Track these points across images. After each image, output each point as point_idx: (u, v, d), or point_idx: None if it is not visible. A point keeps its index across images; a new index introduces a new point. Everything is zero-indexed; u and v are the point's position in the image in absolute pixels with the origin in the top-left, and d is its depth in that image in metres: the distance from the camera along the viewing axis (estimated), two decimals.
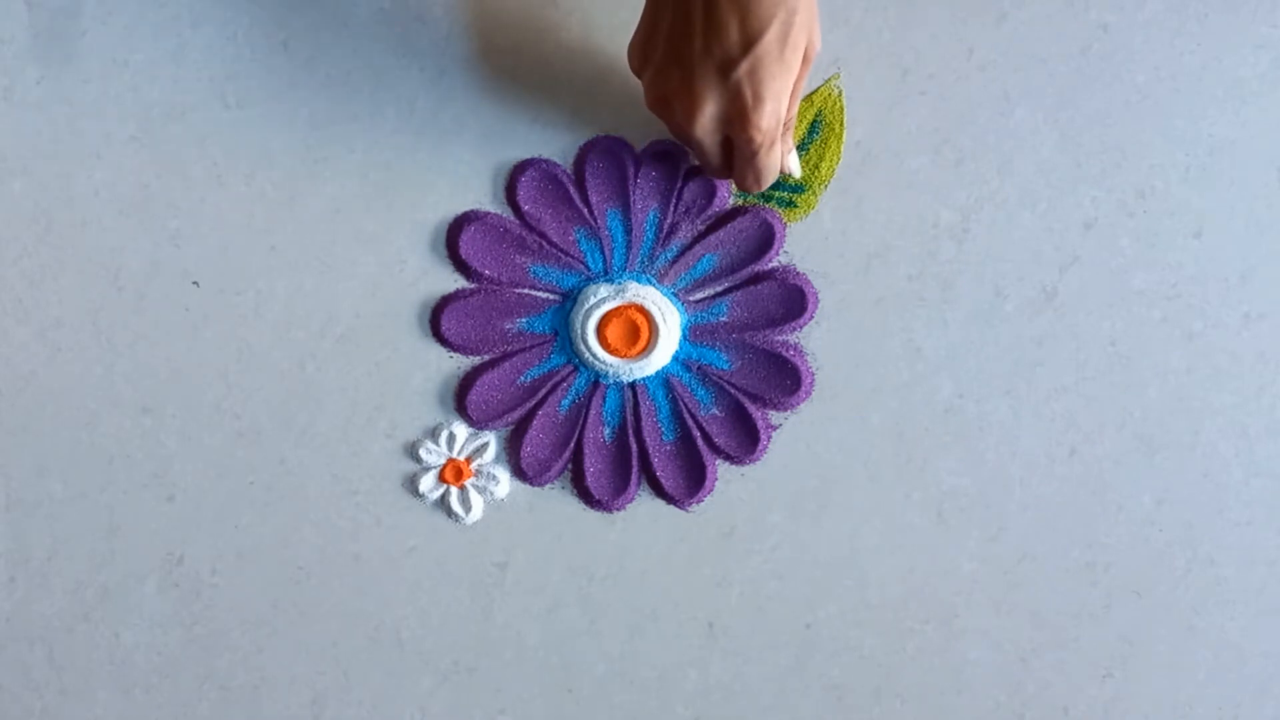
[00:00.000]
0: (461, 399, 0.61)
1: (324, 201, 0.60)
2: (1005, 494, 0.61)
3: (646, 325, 0.59)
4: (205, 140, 0.60)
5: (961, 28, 0.59)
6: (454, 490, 0.61)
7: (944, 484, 0.61)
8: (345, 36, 0.60)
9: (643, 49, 0.52)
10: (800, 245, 0.60)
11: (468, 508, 0.61)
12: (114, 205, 0.61)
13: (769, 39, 0.48)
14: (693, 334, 0.60)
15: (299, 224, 0.61)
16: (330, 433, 0.61)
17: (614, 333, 0.59)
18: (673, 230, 0.60)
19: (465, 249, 0.60)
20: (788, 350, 0.60)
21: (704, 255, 0.60)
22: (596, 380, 0.61)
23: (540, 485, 0.61)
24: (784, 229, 0.60)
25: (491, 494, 0.61)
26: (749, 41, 0.48)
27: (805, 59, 0.50)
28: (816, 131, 0.60)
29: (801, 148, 0.59)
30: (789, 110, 0.52)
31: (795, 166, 0.57)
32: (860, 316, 0.60)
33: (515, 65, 0.60)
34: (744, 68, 0.48)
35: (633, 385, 0.61)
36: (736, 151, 0.52)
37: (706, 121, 0.51)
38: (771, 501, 0.61)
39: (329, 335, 0.61)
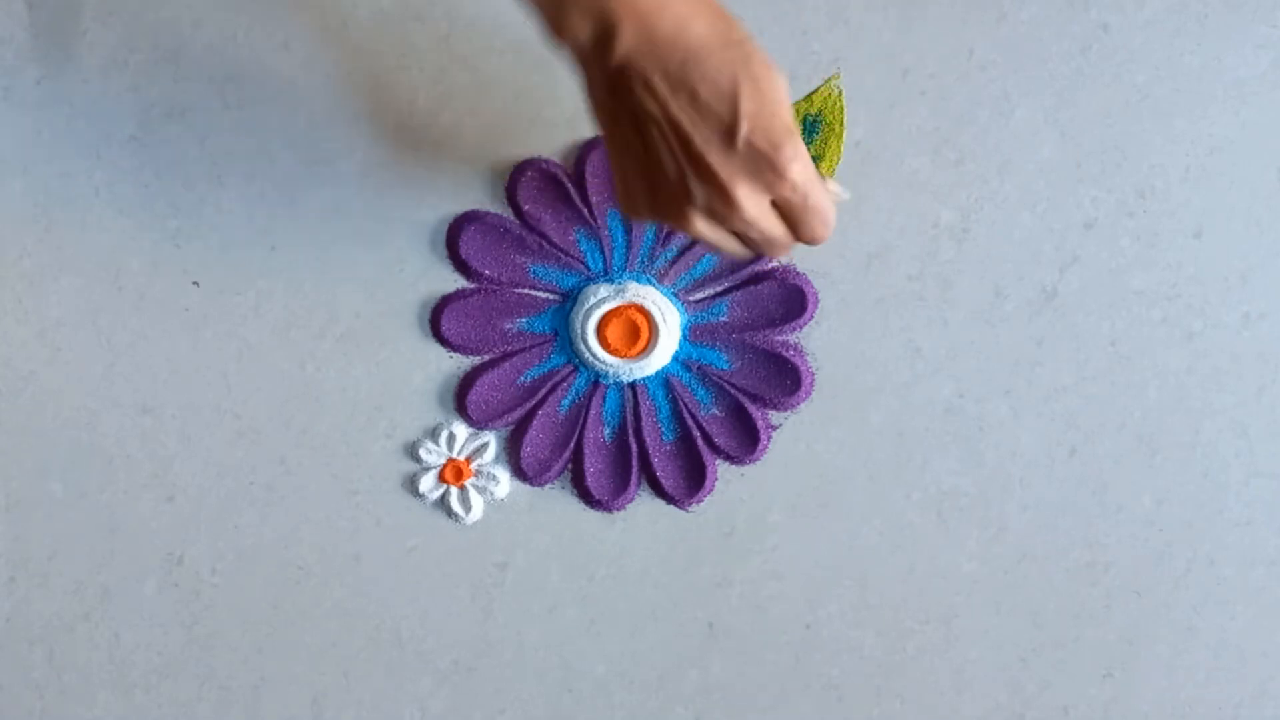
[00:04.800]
0: (461, 399, 0.61)
1: (324, 201, 0.60)
2: (1005, 494, 0.61)
3: (646, 325, 0.59)
4: (205, 140, 0.60)
5: (961, 28, 0.59)
6: (454, 490, 0.61)
7: (944, 484, 0.61)
8: (345, 36, 0.60)
9: (647, 197, 0.49)
10: (800, 245, 0.60)
11: (468, 508, 0.61)
12: (114, 205, 0.60)
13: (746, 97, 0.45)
14: (693, 334, 0.60)
15: (299, 224, 0.60)
16: (330, 433, 0.61)
17: (614, 333, 0.59)
18: (673, 230, 0.60)
19: (465, 249, 0.60)
20: (788, 350, 0.60)
21: (704, 255, 0.60)
22: (596, 380, 0.61)
23: (540, 485, 0.61)
24: None
25: (491, 494, 0.61)
26: (734, 113, 0.45)
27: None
28: (816, 131, 0.60)
29: None
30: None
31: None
32: (860, 316, 0.60)
33: (515, 65, 0.60)
34: (744, 130, 0.45)
35: (633, 385, 0.61)
36: (786, 209, 0.48)
37: (751, 205, 0.47)
38: (771, 501, 0.61)
39: (329, 335, 0.61)
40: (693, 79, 0.45)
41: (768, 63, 0.46)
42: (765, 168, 0.47)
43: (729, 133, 0.46)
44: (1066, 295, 0.60)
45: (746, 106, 0.45)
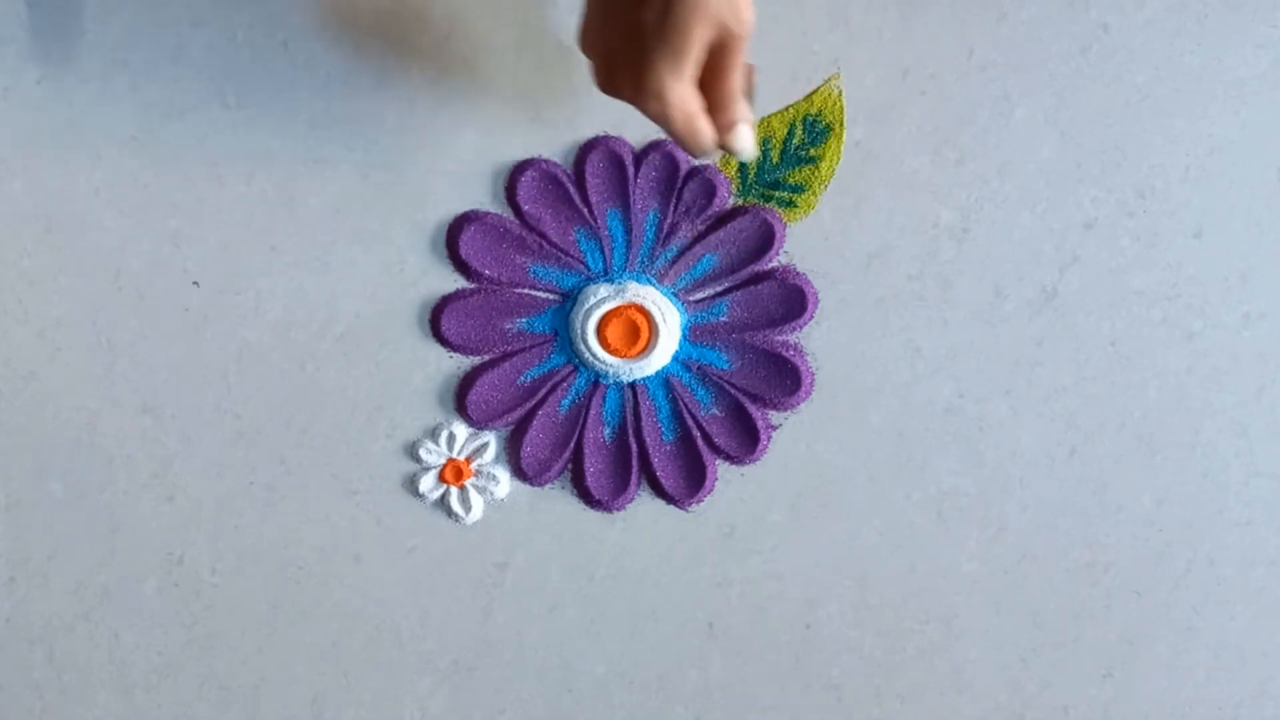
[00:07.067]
0: (461, 399, 0.61)
1: (324, 201, 0.60)
2: (1005, 494, 0.61)
3: (646, 325, 0.59)
4: (205, 140, 0.60)
5: (961, 28, 0.59)
6: (454, 490, 0.61)
7: (944, 484, 0.61)
8: (345, 36, 0.60)
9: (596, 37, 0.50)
10: (800, 245, 0.60)
11: (468, 508, 0.61)
12: (114, 205, 0.60)
13: None
14: (693, 334, 0.60)
15: (299, 224, 0.61)
16: (330, 433, 0.61)
17: (614, 333, 0.59)
18: (673, 230, 0.60)
19: (465, 249, 0.60)
20: (788, 350, 0.60)
21: (704, 255, 0.60)
22: (596, 380, 0.61)
23: (540, 485, 0.61)
24: (784, 229, 0.60)
25: (491, 494, 0.61)
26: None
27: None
28: (817, 131, 0.60)
29: (802, 148, 0.59)
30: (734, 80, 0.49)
31: (749, 142, 0.51)
32: (860, 316, 0.60)
33: (515, 65, 0.60)
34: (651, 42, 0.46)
35: (633, 385, 0.61)
36: (711, 59, 0.48)
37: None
38: (771, 501, 0.61)
39: (329, 335, 0.61)
40: None
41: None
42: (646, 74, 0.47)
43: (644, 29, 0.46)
44: (1066, 295, 0.60)
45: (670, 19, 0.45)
